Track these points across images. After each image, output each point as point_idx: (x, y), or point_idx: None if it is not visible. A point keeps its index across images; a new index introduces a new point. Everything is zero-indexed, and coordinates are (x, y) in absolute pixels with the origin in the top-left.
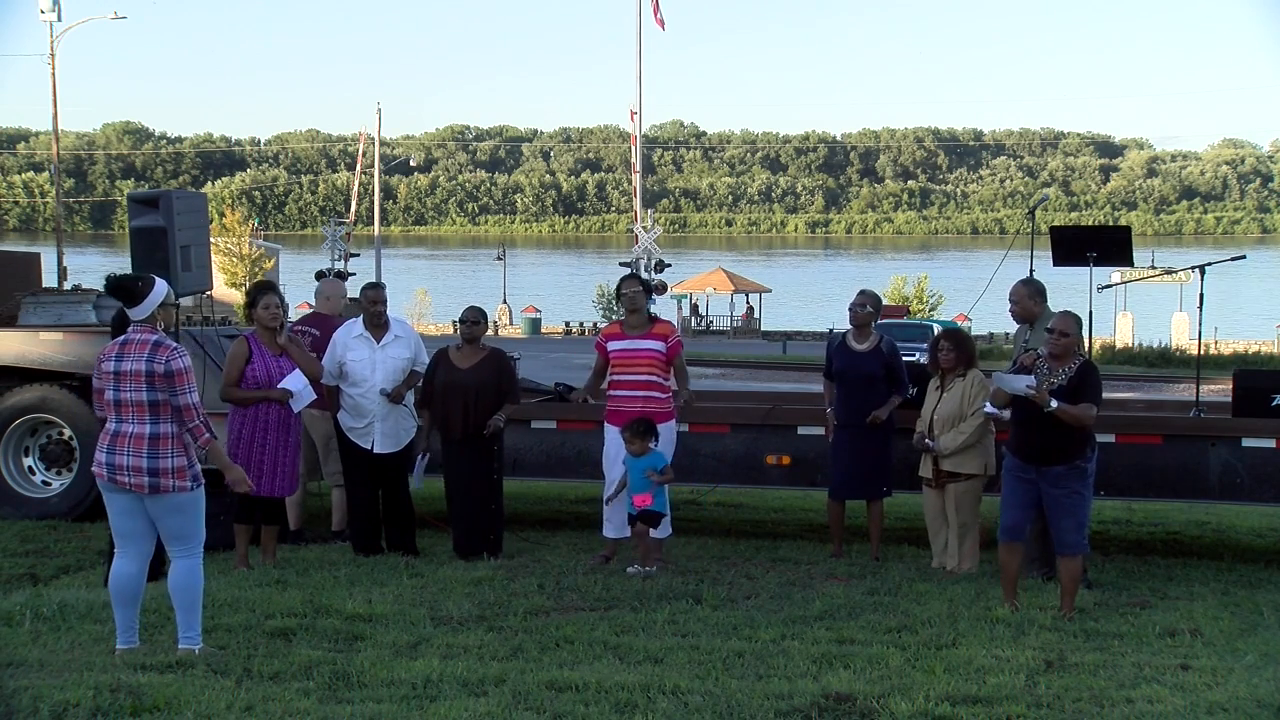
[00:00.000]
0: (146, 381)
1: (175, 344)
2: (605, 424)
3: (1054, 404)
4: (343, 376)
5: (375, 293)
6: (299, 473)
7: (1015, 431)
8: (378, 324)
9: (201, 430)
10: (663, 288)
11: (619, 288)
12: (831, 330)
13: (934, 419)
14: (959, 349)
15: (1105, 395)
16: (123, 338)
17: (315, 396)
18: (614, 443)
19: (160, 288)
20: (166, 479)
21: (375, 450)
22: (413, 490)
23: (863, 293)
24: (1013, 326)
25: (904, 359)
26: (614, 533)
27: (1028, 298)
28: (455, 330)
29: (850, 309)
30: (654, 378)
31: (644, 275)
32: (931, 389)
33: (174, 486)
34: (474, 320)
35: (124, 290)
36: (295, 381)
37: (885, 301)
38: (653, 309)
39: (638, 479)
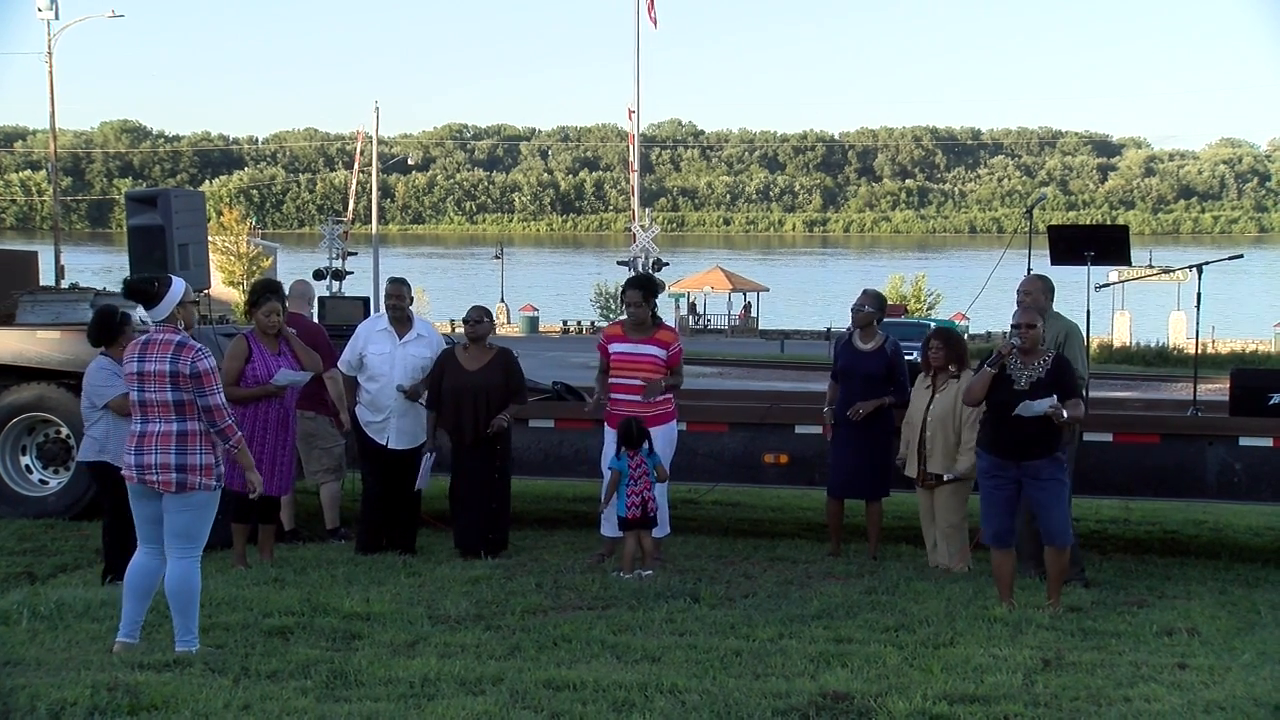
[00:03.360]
0: (171, 382)
1: (199, 345)
2: (605, 426)
3: (1065, 415)
4: (362, 368)
5: (394, 288)
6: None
7: (993, 429)
8: (399, 319)
9: (233, 429)
10: (660, 287)
11: (623, 294)
12: (830, 329)
13: (928, 419)
14: (948, 347)
15: (1103, 395)
16: (144, 337)
17: (309, 377)
18: (612, 444)
19: (178, 286)
20: (194, 475)
21: (390, 446)
22: (418, 489)
23: (864, 293)
24: (1008, 325)
25: (905, 358)
26: (611, 532)
27: (1041, 292)
28: (453, 329)
29: (852, 310)
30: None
31: (648, 274)
32: (921, 387)
33: (199, 484)
34: (476, 320)
35: (141, 292)
36: (285, 375)
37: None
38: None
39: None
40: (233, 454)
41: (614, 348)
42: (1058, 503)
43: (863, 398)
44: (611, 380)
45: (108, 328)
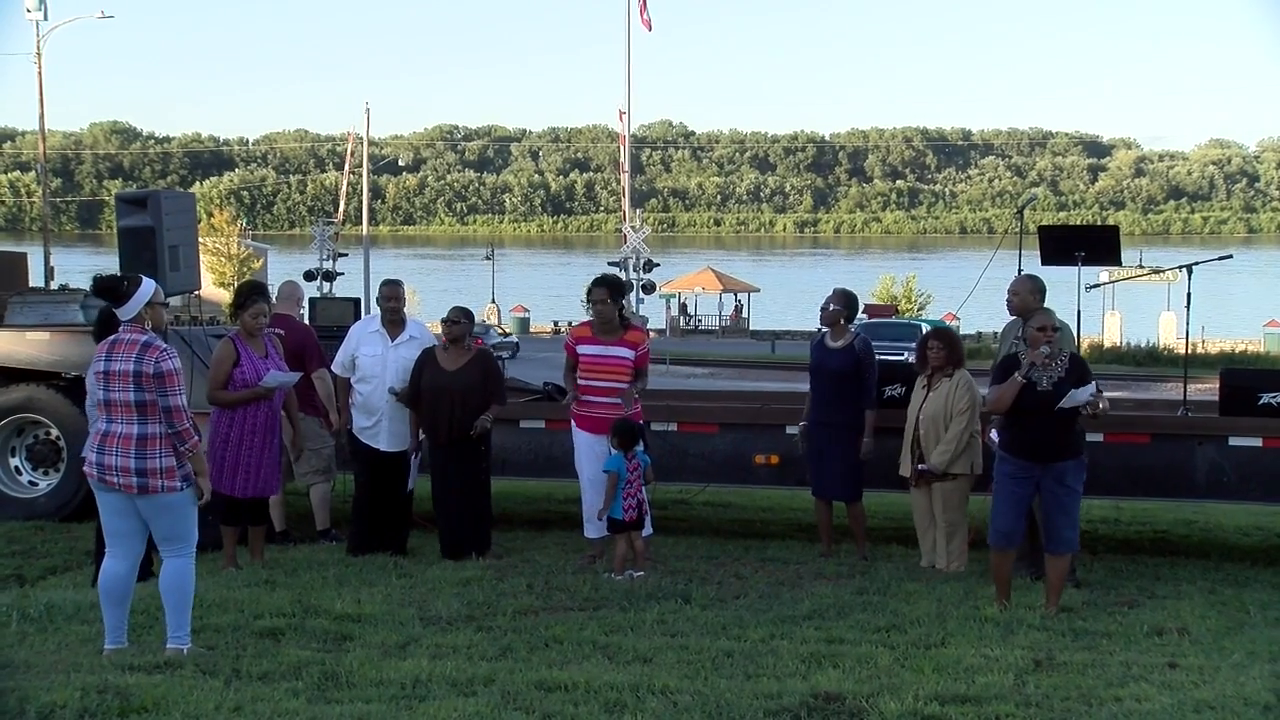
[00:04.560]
0: (134, 382)
1: (165, 345)
2: (575, 429)
3: (1105, 403)
4: (354, 369)
5: (391, 289)
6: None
7: (1021, 432)
8: (393, 320)
9: (190, 433)
10: (650, 288)
11: (589, 292)
12: (819, 330)
13: (919, 418)
14: (949, 348)
15: None
16: (113, 337)
17: (297, 378)
18: (585, 447)
19: (147, 287)
20: (155, 479)
21: (382, 449)
22: (409, 490)
23: (833, 292)
24: (999, 325)
25: (892, 358)
26: (595, 533)
27: (1030, 293)
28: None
29: (820, 309)
30: (622, 384)
31: (617, 274)
32: (918, 387)
33: (163, 487)
34: (454, 320)
35: (109, 290)
36: (274, 377)
37: (873, 301)
38: (634, 308)
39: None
40: (185, 458)
41: (582, 349)
42: (1070, 509)
43: (833, 396)
44: (581, 382)
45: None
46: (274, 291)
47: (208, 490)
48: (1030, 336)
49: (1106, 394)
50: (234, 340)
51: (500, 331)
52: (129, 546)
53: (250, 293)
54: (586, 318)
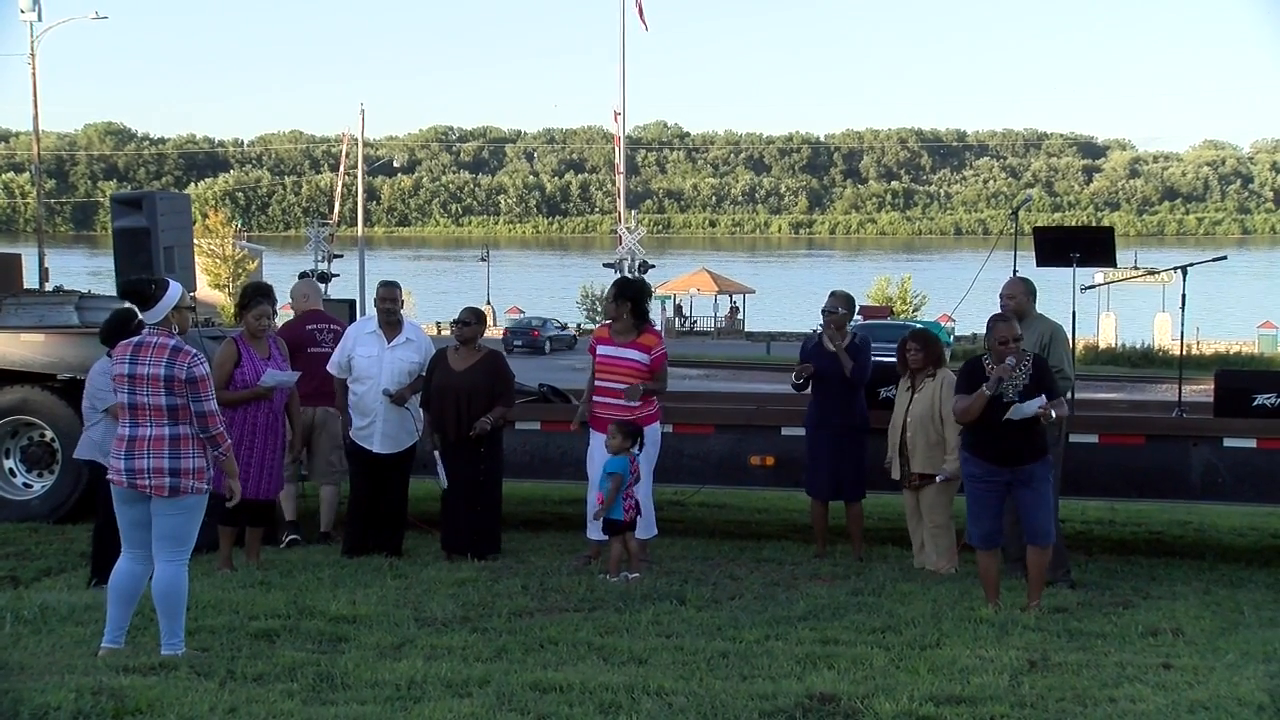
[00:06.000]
0: (166, 386)
1: (194, 350)
2: (590, 429)
3: (1054, 413)
4: (349, 370)
5: (387, 290)
6: (285, 474)
7: (984, 437)
8: (390, 322)
9: (224, 436)
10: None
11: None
12: (815, 331)
13: (907, 420)
14: (926, 348)
15: (1089, 396)
16: (137, 340)
17: (296, 377)
18: (599, 447)
19: (174, 291)
20: (187, 479)
21: (375, 450)
22: (442, 489)
23: (834, 295)
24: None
25: (887, 360)
26: (597, 535)
27: (1024, 294)
28: (439, 331)
29: (824, 311)
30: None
31: (632, 275)
32: (902, 390)
33: (192, 488)
34: (465, 321)
35: (136, 294)
36: (272, 376)
37: (869, 302)
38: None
39: (600, 477)
40: (220, 461)
41: (600, 349)
42: (1045, 503)
43: (840, 398)
44: (597, 383)
45: (122, 331)
46: (286, 294)
47: (239, 491)
48: (992, 349)
49: (1101, 396)
50: (236, 341)
51: (557, 324)
52: (148, 552)
53: (254, 294)
54: (581, 319)
